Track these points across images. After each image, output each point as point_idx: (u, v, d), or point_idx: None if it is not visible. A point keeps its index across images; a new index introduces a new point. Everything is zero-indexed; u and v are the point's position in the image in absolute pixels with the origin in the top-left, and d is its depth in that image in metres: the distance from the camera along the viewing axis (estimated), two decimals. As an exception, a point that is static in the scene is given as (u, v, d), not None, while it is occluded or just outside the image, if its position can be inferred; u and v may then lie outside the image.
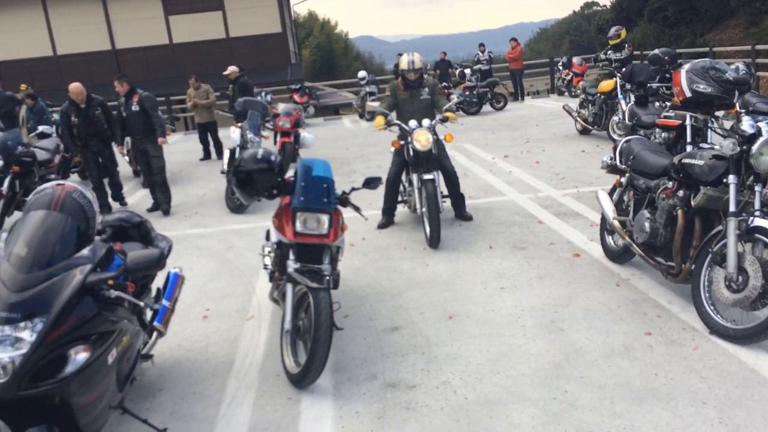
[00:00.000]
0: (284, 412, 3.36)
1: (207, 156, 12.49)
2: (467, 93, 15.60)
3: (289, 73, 21.67)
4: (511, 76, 18.45)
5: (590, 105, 11.00)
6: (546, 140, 11.02)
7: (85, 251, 2.70)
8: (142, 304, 2.99)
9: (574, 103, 12.22)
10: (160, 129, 7.88)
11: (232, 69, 13.30)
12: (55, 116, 11.33)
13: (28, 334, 2.37)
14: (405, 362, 3.75)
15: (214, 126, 12.42)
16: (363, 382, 3.57)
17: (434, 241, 5.71)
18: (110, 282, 2.66)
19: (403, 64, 6.42)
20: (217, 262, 6.02)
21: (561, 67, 18.69)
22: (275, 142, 10.11)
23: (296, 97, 16.46)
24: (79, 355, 2.48)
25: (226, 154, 8.68)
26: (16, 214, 8.02)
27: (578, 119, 11.26)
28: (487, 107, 16.03)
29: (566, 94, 17.67)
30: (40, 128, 10.45)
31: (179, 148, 14.46)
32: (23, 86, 12.90)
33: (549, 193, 7.36)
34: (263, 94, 14.46)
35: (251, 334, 4.37)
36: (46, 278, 2.51)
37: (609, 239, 5.12)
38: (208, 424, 3.32)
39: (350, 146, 12.36)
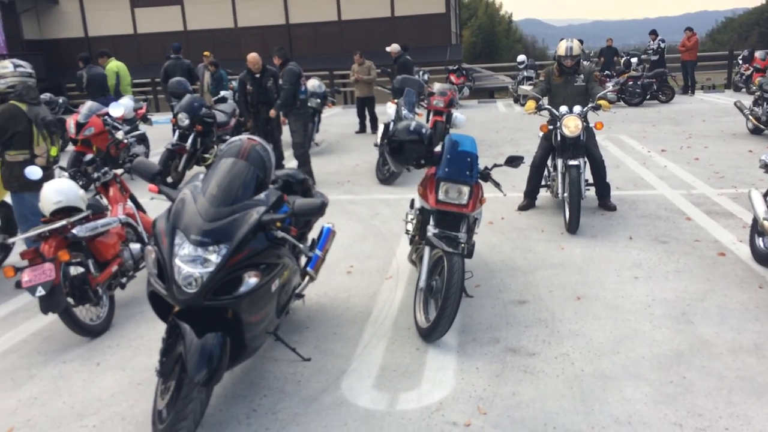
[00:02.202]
0: (411, 360, 3.72)
1: (362, 129, 13.15)
2: (630, 83, 15.00)
3: (449, 54, 21.94)
4: (682, 67, 17.41)
5: (765, 103, 10.25)
6: (710, 137, 10.44)
7: (262, 195, 3.20)
8: (301, 246, 3.47)
9: (748, 101, 11.41)
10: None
11: (393, 47, 13.81)
12: (234, 83, 12.47)
13: (214, 257, 2.89)
14: (528, 332, 3.97)
15: (372, 101, 13.04)
16: (486, 345, 3.84)
17: (573, 227, 5.78)
18: (278, 224, 3.14)
19: (561, 50, 6.46)
20: (363, 227, 6.50)
21: (741, 61, 17.34)
22: (427, 120, 10.47)
23: (453, 77, 16.71)
24: (251, 279, 2.97)
25: (381, 128, 9.18)
26: (195, 168, 9.07)
27: (750, 117, 10.53)
28: (652, 99, 15.32)
29: (743, 90, 16.41)
30: (222, 93, 11.55)
31: (338, 121, 15.30)
32: (206, 53, 14.27)
33: (703, 191, 7.09)
34: (420, 73, 14.87)
35: (388, 292, 4.78)
36: (231, 213, 3.03)
37: (759, 241, 4.93)
38: (345, 360, 3.76)
39: (501, 130, 12.44)
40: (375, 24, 22.13)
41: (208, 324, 2.97)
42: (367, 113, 13.04)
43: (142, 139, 9.91)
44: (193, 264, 2.88)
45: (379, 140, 9.03)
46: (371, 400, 3.32)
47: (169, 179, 8.67)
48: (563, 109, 6.15)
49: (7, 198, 5.54)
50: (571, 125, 5.95)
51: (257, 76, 8.78)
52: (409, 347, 3.87)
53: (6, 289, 5.23)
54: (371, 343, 3.96)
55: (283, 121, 9.17)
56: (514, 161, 4.50)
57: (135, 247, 4.85)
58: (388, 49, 13.82)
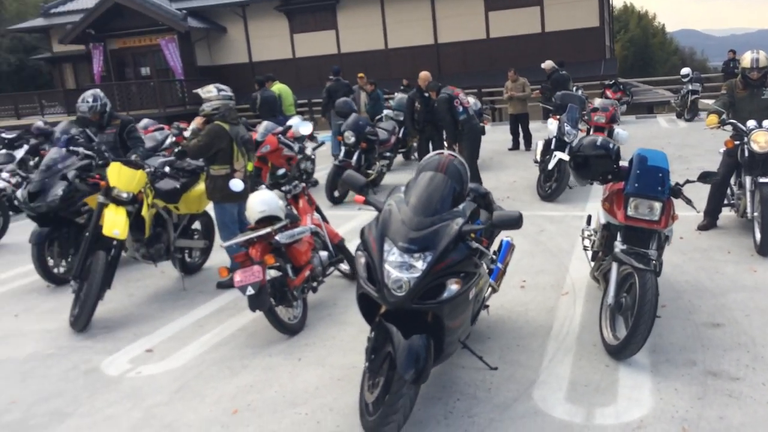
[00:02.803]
0: (602, 376, 3.70)
1: (516, 146, 13.11)
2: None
3: (603, 68, 21.27)
4: None
5: None
6: None
7: (460, 207, 3.37)
8: (492, 256, 3.59)
9: None
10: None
11: (547, 64, 13.68)
12: (391, 101, 12.95)
13: (420, 263, 3.09)
14: (727, 356, 3.80)
15: (525, 118, 12.99)
16: (681, 366, 3.73)
17: (765, 248, 5.44)
18: (472, 234, 3.29)
19: (746, 62, 6.13)
20: (530, 242, 6.51)
21: None
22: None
23: (609, 93, 16.20)
24: (453, 286, 3.13)
25: (539, 144, 9.14)
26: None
27: None
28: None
29: None
30: (386, 112, 12.01)
31: (489, 137, 15.29)
32: (361, 75, 14.92)
33: None
34: (574, 88, 14.58)
35: (566, 307, 4.77)
36: (433, 223, 3.21)
37: None
38: (532, 371, 3.82)
39: (665, 146, 11.88)
40: (525, 40, 21.97)
41: (413, 326, 3.16)
42: (520, 130, 12.99)
43: (309, 157, 10.57)
44: (400, 269, 3.09)
45: (538, 156, 9.00)
46: (566, 413, 3.35)
47: (336, 193, 9.18)
48: (751, 123, 5.83)
49: (208, 208, 6.17)
50: (762, 140, 5.62)
51: (426, 94, 9.07)
52: (597, 363, 3.85)
53: (209, 288, 5.81)
54: (556, 357, 3.99)
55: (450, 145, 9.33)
56: (707, 177, 4.35)
57: (323, 254, 5.21)
58: (542, 65, 13.73)
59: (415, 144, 12.20)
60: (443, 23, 23.20)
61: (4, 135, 10.51)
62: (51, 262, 6.13)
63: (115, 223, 4.96)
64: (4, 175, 8.74)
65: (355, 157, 9.26)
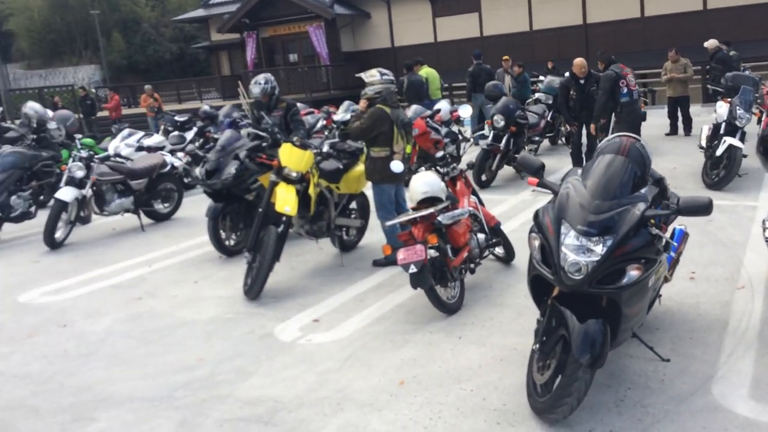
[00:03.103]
0: (791, 375, 3.46)
1: (674, 131, 12.35)
2: None
3: (773, 48, 19.43)
4: None
5: None
6: None
7: (642, 191, 3.26)
8: (674, 243, 3.45)
9: None
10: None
11: (710, 42, 12.71)
12: (540, 85, 12.64)
13: (599, 248, 3.04)
14: None
15: (686, 101, 12.18)
16: None
17: None
18: (652, 221, 3.17)
19: None
20: (698, 232, 6.13)
21: None
22: (758, 121, 9.45)
23: (782, 73, 14.79)
24: (633, 272, 3.05)
25: (705, 129, 8.56)
26: (505, 168, 9.38)
27: None
28: None
29: None
30: (537, 95, 11.78)
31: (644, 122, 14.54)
32: (506, 57, 14.66)
33: None
34: (747, 71, 13.45)
35: (744, 302, 4.48)
36: (613, 207, 3.14)
37: None
38: (709, 366, 3.64)
39: None
40: (683, 18, 20.52)
41: (588, 310, 3.12)
42: (680, 114, 12.21)
43: (454, 140, 10.60)
44: (577, 252, 3.06)
45: (704, 142, 8.44)
46: (751, 410, 3.17)
47: (483, 177, 9.15)
48: None
49: (365, 189, 6.40)
50: None
51: (581, 81, 8.79)
52: (784, 362, 3.60)
53: (365, 266, 6.05)
54: (736, 352, 3.77)
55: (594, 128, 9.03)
56: None
57: (480, 236, 5.25)
58: (705, 44, 12.79)
59: (562, 129, 11.87)
60: (593, 2, 22.21)
61: (177, 118, 11.47)
62: (223, 235, 6.64)
63: (286, 200, 5.29)
64: (180, 155, 9.55)
65: (503, 141, 9.16)
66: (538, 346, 3.27)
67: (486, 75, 13.56)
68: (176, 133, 10.97)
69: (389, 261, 5.95)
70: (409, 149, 5.86)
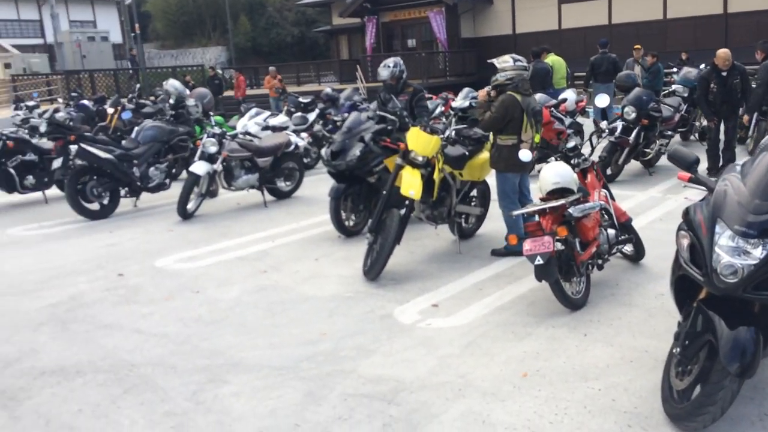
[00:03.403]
0: None
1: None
2: None
3: None
4: None
5: None
6: None
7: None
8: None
9: None
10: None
11: None
12: (675, 77, 11.95)
13: (758, 251, 2.81)
14: None
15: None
16: None
17: None
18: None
19: None
20: None
21: None
22: None
23: None
24: (794, 280, 2.81)
25: None
26: (633, 162, 8.93)
27: None
28: None
29: None
30: (674, 87, 11.16)
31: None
32: (637, 46, 13.95)
33: None
34: None
35: None
36: (775, 209, 2.89)
37: None
38: None
39: None
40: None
41: (738, 316, 2.91)
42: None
43: (578, 131, 10.23)
44: (733, 254, 2.85)
45: None
46: None
47: (609, 171, 8.78)
48: None
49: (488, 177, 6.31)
50: None
51: (724, 74, 8.22)
52: None
53: (484, 254, 5.98)
54: None
55: (746, 120, 8.43)
56: None
57: (610, 232, 5.03)
58: None
59: (696, 123, 11.17)
60: (735, -10, 20.70)
61: (300, 99, 11.81)
62: (343, 215, 6.77)
63: (411, 184, 5.30)
64: (303, 135, 9.83)
65: (633, 134, 8.73)
66: (678, 350, 3.09)
67: (609, 64, 13.01)
68: (299, 114, 11.31)
69: (509, 251, 5.87)
70: (537, 138, 5.70)
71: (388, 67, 6.88)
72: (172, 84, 9.25)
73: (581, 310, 4.57)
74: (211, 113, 10.10)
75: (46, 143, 8.86)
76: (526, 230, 4.51)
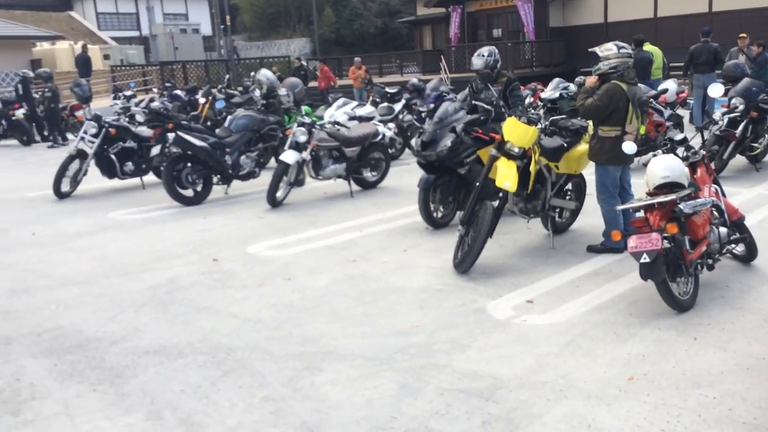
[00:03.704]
0: None
1: None
2: None
3: None
4: None
5: None
6: None
7: None
8: None
9: None
10: None
11: None
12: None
13: None
14: None
15: None
16: None
17: None
18: None
19: None
20: None
21: None
22: None
23: None
24: None
25: None
26: (738, 157, 8.38)
27: None
28: None
29: None
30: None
31: None
32: (743, 35, 13.09)
33: None
34: None
35: None
36: None
37: None
38: None
39: None
40: None
41: None
42: None
43: (678, 123, 9.74)
44: None
45: None
46: None
47: (713, 165, 8.28)
48: None
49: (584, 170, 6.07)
50: None
51: None
52: None
53: (579, 250, 5.76)
54: None
55: None
56: None
57: (722, 230, 4.72)
58: None
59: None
60: None
61: (387, 90, 11.79)
62: (431, 207, 6.68)
63: (506, 175, 5.15)
64: (391, 125, 9.79)
65: (740, 128, 8.20)
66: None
67: (709, 54, 12.32)
68: (385, 104, 11.28)
69: (606, 248, 5.64)
70: (643, 130, 5.42)
71: (483, 56, 6.72)
72: (264, 74, 9.41)
73: (689, 313, 4.31)
74: (302, 103, 10.22)
75: (145, 131, 9.20)
76: (633, 226, 4.27)
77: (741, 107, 8.20)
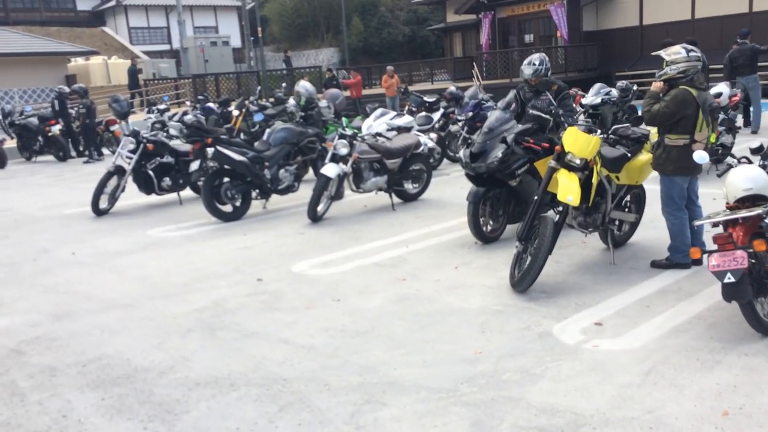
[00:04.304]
0: None
1: None
2: None
3: None
4: None
5: None
6: None
7: None
8: None
9: None
10: None
11: None
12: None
13: None
14: None
15: None
16: None
17: None
18: None
19: None
20: None
21: None
22: None
23: None
24: None
25: None
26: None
27: None
28: None
29: None
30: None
31: None
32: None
33: None
34: None
35: None
36: None
37: None
38: None
39: None
40: None
41: None
42: None
43: (730, 128, 9.33)
44: None
45: None
46: None
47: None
48: None
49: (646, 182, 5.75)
50: None
51: None
52: None
53: (642, 266, 5.43)
54: None
55: None
56: None
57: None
58: None
59: None
60: None
61: (425, 98, 11.55)
62: (481, 220, 6.40)
63: (569, 189, 4.86)
64: (432, 135, 9.55)
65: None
66: None
67: (746, 57, 11.90)
68: (423, 113, 11.05)
69: (672, 263, 5.32)
70: (713, 138, 5.09)
71: (533, 64, 6.45)
72: (303, 85, 9.24)
73: (779, 336, 3.97)
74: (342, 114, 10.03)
75: (182, 145, 9.08)
76: (715, 242, 3.94)
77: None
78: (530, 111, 6.25)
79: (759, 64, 12.69)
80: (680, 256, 5.27)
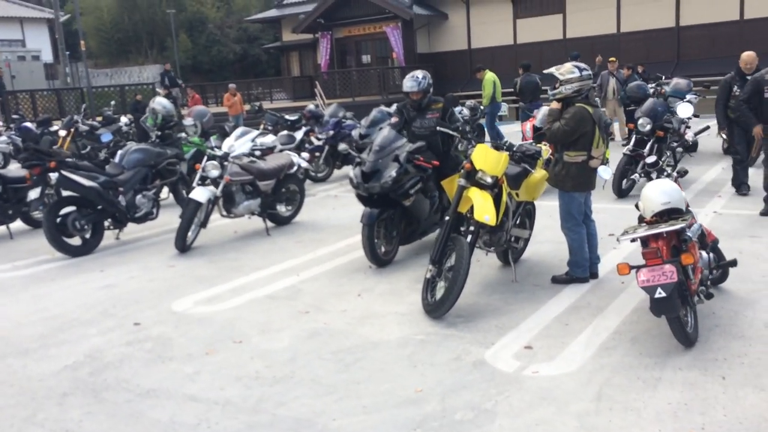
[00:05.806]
0: None
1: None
2: None
3: None
4: None
5: None
6: None
7: None
8: None
9: None
10: None
11: None
12: (667, 89, 11.82)
13: None
14: None
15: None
16: None
17: None
18: None
19: None
20: None
21: None
22: None
23: None
24: None
25: None
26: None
27: None
28: None
29: None
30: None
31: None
32: (612, 59, 13.80)
33: None
34: None
35: None
36: None
37: None
38: None
39: None
40: (788, 21, 19.43)
41: None
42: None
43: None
44: None
45: None
46: None
47: (623, 185, 8.44)
48: None
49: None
50: None
51: (748, 77, 8.00)
52: None
53: (544, 282, 5.44)
54: None
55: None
56: None
57: (705, 255, 4.55)
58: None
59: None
60: (687, 3, 21.20)
61: (287, 117, 11.08)
62: (376, 243, 6.10)
63: (485, 208, 4.72)
64: (304, 154, 9.10)
65: (647, 147, 8.43)
66: None
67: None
68: (285, 132, 10.58)
69: (572, 278, 5.38)
70: (608, 154, 5.23)
71: (416, 79, 6.32)
72: (160, 102, 8.37)
73: (697, 348, 4.07)
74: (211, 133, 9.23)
75: (13, 171, 7.80)
76: (644, 257, 3.96)
77: (648, 127, 8.43)
78: (438, 128, 6.07)
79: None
80: (580, 270, 5.35)
